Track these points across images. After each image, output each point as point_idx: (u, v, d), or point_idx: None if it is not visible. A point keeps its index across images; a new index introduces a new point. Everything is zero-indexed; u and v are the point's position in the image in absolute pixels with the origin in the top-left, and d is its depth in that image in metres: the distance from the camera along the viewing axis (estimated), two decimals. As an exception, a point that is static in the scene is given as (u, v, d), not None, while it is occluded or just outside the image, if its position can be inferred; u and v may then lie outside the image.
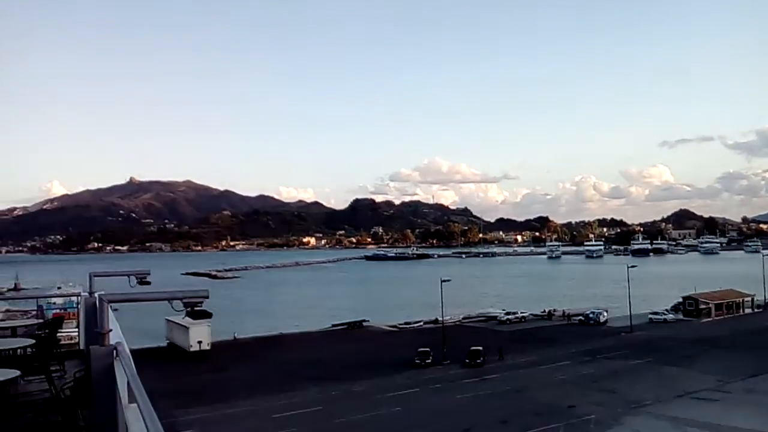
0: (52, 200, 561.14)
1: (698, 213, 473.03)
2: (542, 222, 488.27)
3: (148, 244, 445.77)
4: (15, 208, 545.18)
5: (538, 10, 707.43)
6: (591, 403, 42.33)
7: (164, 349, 68.15)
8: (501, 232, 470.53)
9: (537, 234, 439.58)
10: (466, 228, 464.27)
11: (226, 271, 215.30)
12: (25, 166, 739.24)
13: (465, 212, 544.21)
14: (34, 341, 10.47)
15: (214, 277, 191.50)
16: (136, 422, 4.35)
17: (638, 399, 43.07)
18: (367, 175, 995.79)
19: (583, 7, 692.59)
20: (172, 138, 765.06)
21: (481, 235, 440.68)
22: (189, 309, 6.20)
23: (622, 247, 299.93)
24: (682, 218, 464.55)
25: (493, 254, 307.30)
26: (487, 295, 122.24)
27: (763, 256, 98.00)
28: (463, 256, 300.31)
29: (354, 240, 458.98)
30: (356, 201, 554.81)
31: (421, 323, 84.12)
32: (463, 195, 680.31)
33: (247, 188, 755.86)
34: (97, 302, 6.93)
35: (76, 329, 13.20)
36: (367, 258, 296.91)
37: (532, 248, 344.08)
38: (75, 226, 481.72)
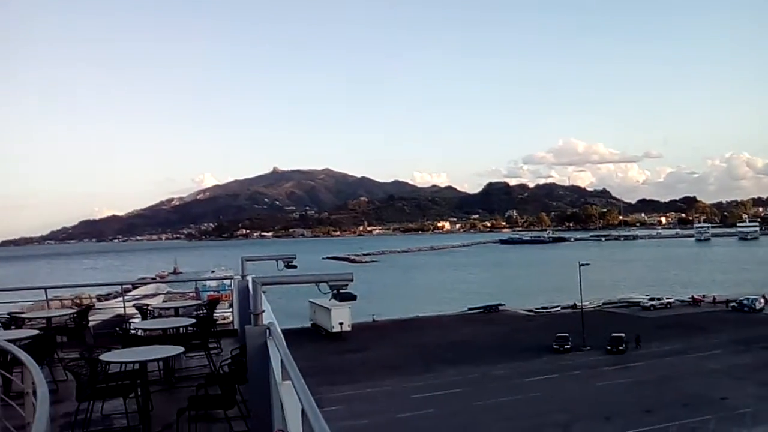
0: (204, 190, 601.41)
1: None
2: (689, 202, 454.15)
3: (290, 230, 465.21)
4: (172, 199, 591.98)
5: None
6: (746, 395, 39.21)
7: (307, 329, 71.22)
8: (643, 214, 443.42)
9: (683, 215, 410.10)
10: (605, 210, 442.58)
11: (363, 255, 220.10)
12: (181, 160, 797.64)
13: (603, 194, 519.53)
14: (195, 320, 11.33)
15: (353, 261, 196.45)
16: (290, 399, 4.57)
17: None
18: (500, 158, 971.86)
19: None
20: (311, 129, 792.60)
21: (621, 218, 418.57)
22: (335, 291, 6.42)
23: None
24: None
25: (635, 237, 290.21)
26: (629, 279, 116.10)
27: None
28: (602, 239, 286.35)
29: (488, 224, 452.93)
30: (489, 185, 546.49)
31: (559, 308, 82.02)
32: (601, 176, 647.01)
33: (383, 174, 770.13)
34: (251, 285, 7.36)
35: (228, 309, 14.12)
36: (502, 242, 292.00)
37: (678, 230, 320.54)
38: (225, 214, 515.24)
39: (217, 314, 13.46)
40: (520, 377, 46.68)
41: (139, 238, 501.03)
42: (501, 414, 38.62)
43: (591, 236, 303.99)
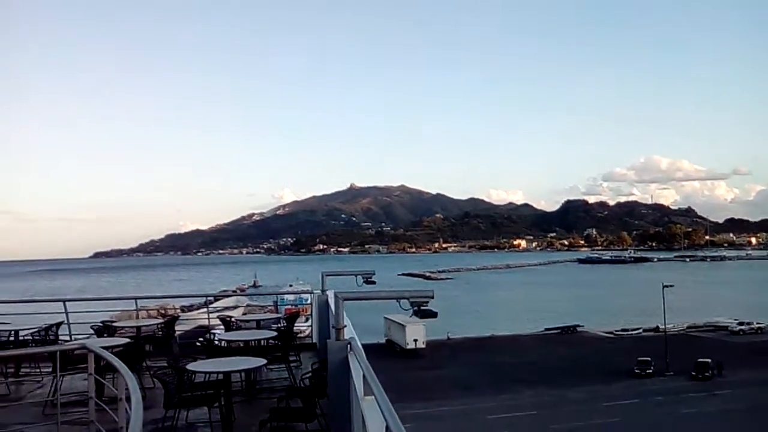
0: (284, 206, 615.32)
1: None
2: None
3: (366, 246, 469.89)
4: (253, 214, 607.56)
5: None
6: None
7: (381, 345, 71.22)
8: (731, 234, 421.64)
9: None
10: (690, 230, 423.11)
11: (439, 272, 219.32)
12: (262, 176, 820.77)
13: (688, 212, 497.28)
14: (275, 333, 11.57)
15: (428, 278, 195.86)
16: (373, 415, 4.57)
17: None
18: (578, 176, 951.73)
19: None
20: (388, 145, 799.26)
21: (707, 237, 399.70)
22: (416, 308, 6.42)
23: None
24: None
25: (723, 258, 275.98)
26: (716, 302, 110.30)
27: None
28: (687, 259, 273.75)
29: (566, 243, 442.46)
30: (567, 202, 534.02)
31: (640, 330, 79.08)
32: (686, 194, 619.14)
33: (458, 191, 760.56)
34: (333, 300, 7.44)
35: (306, 323, 14.32)
36: (581, 261, 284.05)
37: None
38: (303, 229, 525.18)
39: (295, 328, 13.69)
40: (598, 401, 45.11)
41: (221, 251, 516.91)
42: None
43: (675, 257, 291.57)
